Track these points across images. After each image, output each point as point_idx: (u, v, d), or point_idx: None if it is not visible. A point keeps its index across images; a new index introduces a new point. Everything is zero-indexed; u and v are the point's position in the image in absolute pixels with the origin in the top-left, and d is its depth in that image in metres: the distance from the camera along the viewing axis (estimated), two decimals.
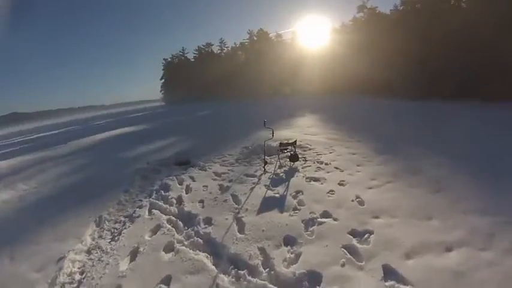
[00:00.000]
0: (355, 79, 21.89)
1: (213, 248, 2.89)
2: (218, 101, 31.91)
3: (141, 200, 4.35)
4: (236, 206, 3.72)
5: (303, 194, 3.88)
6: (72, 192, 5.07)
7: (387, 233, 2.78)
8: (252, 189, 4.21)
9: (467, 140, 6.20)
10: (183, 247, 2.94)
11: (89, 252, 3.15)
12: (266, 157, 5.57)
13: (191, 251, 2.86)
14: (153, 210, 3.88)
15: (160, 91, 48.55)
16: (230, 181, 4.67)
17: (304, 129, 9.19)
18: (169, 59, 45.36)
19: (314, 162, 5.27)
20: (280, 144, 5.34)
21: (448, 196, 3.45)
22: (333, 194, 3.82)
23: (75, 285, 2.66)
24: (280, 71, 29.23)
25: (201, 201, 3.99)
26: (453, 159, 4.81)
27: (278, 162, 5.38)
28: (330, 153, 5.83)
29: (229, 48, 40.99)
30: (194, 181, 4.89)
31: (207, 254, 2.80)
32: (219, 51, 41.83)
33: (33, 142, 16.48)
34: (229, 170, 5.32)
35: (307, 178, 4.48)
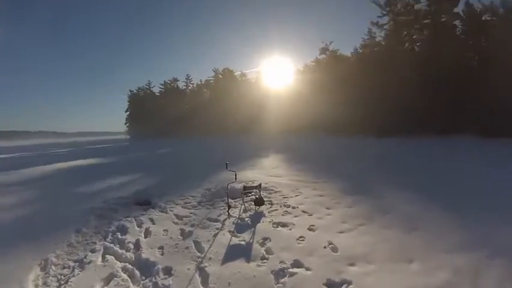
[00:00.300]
0: (318, 117, 23.10)
1: None
2: (182, 137, 31.61)
3: (94, 243, 4.06)
4: (199, 254, 3.66)
5: (270, 241, 3.84)
6: (15, 230, 4.51)
7: (367, 284, 2.66)
8: (215, 235, 4.19)
9: (432, 173, 6.98)
10: None
11: None
12: (230, 200, 5.55)
13: None
14: (107, 256, 3.64)
15: (125, 123, 47.73)
16: (192, 225, 4.63)
17: (269, 171, 9.37)
18: (134, 91, 45.65)
19: (281, 206, 5.34)
20: (244, 187, 5.45)
21: (425, 235, 3.50)
22: (303, 240, 3.74)
23: None
24: (244, 109, 30.19)
25: (161, 248, 3.87)
26: (422, 193, 5.18)
27: (243, 206, 5.39)
28: (297, 196, 5.88)
29: (195, 85, 42.43)
30: (154, 224, 4.74)
31: None
32: (184, 87, 43.15)
33: None
34: (191, 213, 5.22)
35: (274, 223, 4.49)
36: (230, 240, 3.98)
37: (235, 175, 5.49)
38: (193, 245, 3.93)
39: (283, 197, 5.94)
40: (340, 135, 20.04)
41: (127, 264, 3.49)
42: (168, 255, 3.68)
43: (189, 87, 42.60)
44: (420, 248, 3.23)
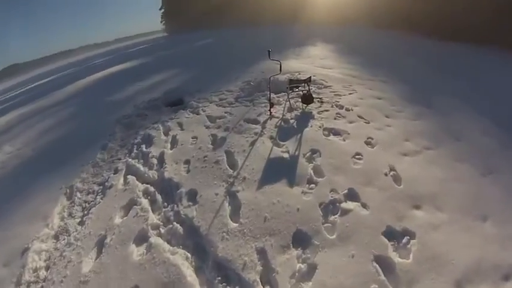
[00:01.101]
0: (372, 9, 16.53)
1: (196, 244, 2.14)
2: (221, 28, 27.87)
3: (119, 159, 3.63)
4: (231, 171, 2.76)
5: (320, 155, 2.85)
6: (48, 155, 4.43)
7: (433, 241, 1.94)
8: (253, 143, 3.20)
9: None
10: (158, 239, 2.21)
11: (56, 237, 2.64)
12: (273, 96, 4.43)
13: (167, 247, 2.12)
14: (129, 177, 3.12)
15: (161, 21, 44.21)
16: (226, 129, 3.64)
17: (316, 61, 7.42)
18: None
19: (332, 106, 4.03)
20: (290, 80, 4.05)
21: (502, 182, 2.47)
22: (360, 159, 2.79)
23: (39, 285, 2.17)
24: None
25: (187, 162, 3.10)
26: (500, 125, 3.43)
27: (288, 103, 4.18)
28: (350, 94, 4.56)
29: None
30: (182, 129, 3.94)
31: (187, 254, 2.05)
32: None
33: (30, 92, 15.54)
34: (226, 112, 4.25)
35: (324, 129, 3.37)
36: (270, 151, 3.02)
37: (280, 65, 3.88)
38: (224, 157, 2.99)
39: (335, 94, 4.55)
40: (397, 31, 13.80)
41: (149, 186, 2.91)
42: (194, 172, 2.87)
43: None
44: (496, 200, 2.29)
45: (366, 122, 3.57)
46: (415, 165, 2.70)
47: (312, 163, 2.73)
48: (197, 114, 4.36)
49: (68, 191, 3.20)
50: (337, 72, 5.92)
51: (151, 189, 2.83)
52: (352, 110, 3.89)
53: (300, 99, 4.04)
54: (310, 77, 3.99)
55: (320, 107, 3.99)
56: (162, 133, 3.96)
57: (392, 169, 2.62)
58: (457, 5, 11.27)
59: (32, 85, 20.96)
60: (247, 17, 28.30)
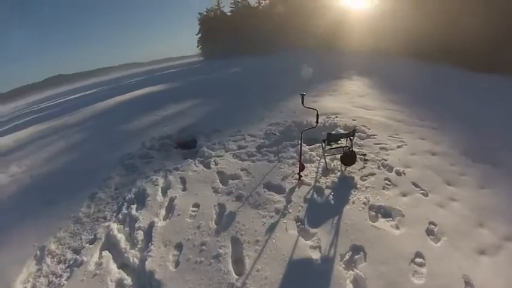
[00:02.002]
0: (406, 38, 15.64)
1: None
2: (254, 55, 28.27)
3: (104, 219, 2.97)
4: (234, 277, 1.96)
5: (364, 257, 2.02)
6: (41, 189, 4.04)
7: None
8: (272, 228, 2.37)
9: None
10: None
11: None
12: (304, 147, 3.63)
13: None
14: (105, 254, 2.37)
15: (197, 46, 46.95)
16: (239, 199, 2.86)
17: (355, 99, 6.63)
18: (204, 13, 43.24)
19: (379, 167, 3.21)
20: (329, 135, 3.14)
21: None
22: (422, 265, 1.97)
23: None
24: (321, 24, 23.88)
25: (179, 248, 2.34)
26: None
27: (323, 162, 3.30)
28: (399, 147, 3.80)
29: (267, 1, 36.33)
30: (185, 189, 3.21)
31: None
32: (255, 4, 37.87)
33: (57, 107, 16.11)
34: (243, 170, 3.46)
35: (371, 208, 2.55)
36: (295, 246, 2.19)
37: (317, 116, 2.98)
38: (229, 249, 2.23)
39: (381, 148, 3.74)
40: (432, 63, 12.76)
41: (125, 276, 2.14)
42: (184, 269, 2.16)
43: (262, 4, 37.51)
44: None
45: (423, 194, 2.77)
46: (499, 272, 1.92)
47: (353, 271, 1.89)
48: (207, 168, 3.58)
49: (38, 253, 2.57)
50: (379, 115, 5.11)
51: (127, 282, 2.06)
52: (404, 173, 3.06)
53: (338, 157, 3.15)
54: (354, 129, 3.18)
55: (363, 167, 3.14)
56: (159, 191, 3.19)
57: (468, 283, 1.83)
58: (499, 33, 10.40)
59: (62, 99, 22.28)
60: (277, 45, 28.74)
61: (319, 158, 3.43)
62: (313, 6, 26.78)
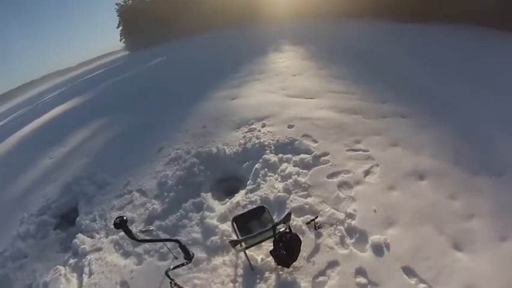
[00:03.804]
0: None
1: None
2: (179, 39, 26.20)
3: None
4: None
5: None
6: None
7: None
8: None
9: None
10: None
11: None
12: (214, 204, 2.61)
13: None
14: None
15: (120, 40, 42.96)
16: None
17: (288, 82, 5.40)
18: (122, 3, 39.60)
19: (342, 240, 2.04)
20: (235, 219, 2.03)
21: None
22: None
23: None
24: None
25: None
26: None
27: (243, 257, 2.02)
28: (367, 174, 2.59)
29: None
30: None
31: None
32: None
33: None
34: (124, 283, 2.16)
35: None
36: None
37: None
38: None
39: (339, 185, 2.51)
40: (366, 19, 11.40)
41: None
42: None
43: None
44: None
45: None
46: None
47: None
48: (79, 274, 2.30)
49: None
50: (325, 107, 3.95)
51: None
52: (387, 247, 1.86)
53: (269, 252, 1.84)
54: (289, 213, 1.78)
55: (315, 249, 1.92)
56: None
57: None
58: None
59: None
60: (199, 26, 27.23)
61: (235, 253, 2.06)
62: None
